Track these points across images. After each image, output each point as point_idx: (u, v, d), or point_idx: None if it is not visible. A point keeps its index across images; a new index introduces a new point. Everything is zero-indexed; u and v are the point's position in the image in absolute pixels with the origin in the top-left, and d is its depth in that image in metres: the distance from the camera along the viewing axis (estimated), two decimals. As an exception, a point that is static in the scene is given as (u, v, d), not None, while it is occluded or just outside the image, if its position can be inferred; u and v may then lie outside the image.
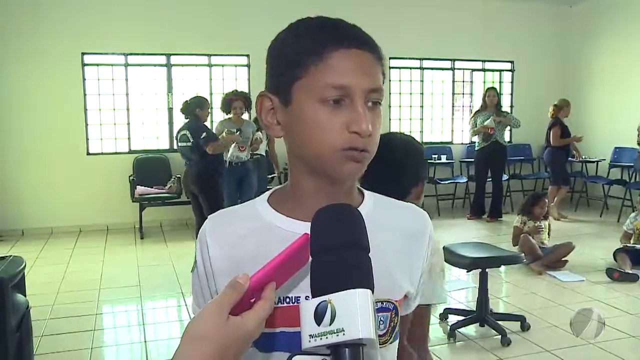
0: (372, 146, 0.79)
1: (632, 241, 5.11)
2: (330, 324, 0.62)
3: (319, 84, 0.76)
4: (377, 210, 0.85)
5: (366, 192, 0.91)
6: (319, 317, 0.63)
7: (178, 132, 5.54)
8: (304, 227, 0.71)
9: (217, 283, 0.85)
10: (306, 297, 0.72)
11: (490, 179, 7.31)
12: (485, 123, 7.00)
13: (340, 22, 0.81)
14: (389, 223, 0.84)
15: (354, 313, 0.61)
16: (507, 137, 7.65)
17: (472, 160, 7.56)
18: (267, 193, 0.91)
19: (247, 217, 0.87)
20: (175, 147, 7.19)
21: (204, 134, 5.19)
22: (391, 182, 1.48)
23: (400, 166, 1.51)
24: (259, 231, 0.84)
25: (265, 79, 0.85)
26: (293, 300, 0.81)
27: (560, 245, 5.07)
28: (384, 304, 0.84)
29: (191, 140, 5.23)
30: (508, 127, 7.38)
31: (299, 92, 0.78)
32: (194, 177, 5.32)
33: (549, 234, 5.26)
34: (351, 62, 0.76)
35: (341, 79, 0.75)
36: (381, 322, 0.83)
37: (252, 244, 0.83)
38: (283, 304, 0.81)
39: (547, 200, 5.27)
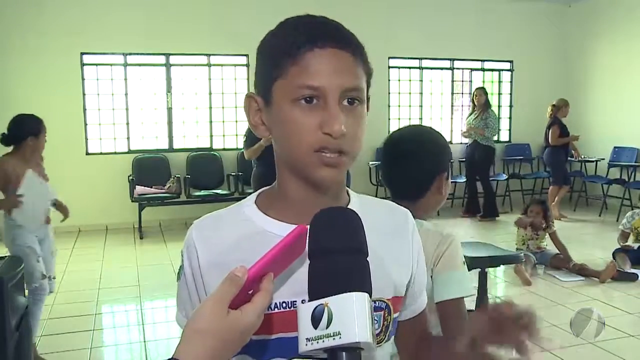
0: (350, 147, 0.77)
1: (630, 240, 5.10)
2: (327, 328, 0.62)
3: (293, 85, 0.76)
4: (363, 210, 0.83)
5: (351, 193, 0.90)
6: (315, 320, 0.63)
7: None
8: None
9: (207, 290, 0.83)
10: (302, 301, 0.71)
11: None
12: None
13: (318, 20, 0.79)
14: (375, 222, 0.83)
15: (350, 316, 0.61)
16: (504, 137, 7.64)
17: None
18: (254, 195, 0.89)
19: (236, 222, 0.86)
20: (174, 146, 7.24)
21: (245, 138, 4.96)
22: (406, 175, 1.47)
23: (412, 158, 1.46)
24: (250, 236, 0.83)
25: (254, 80, 0.85)
26: (290, 305, 0.80)
27: (558, 256, 4.95)
28: (377, 302, 0.84)
29: (244, 140, 5.05)
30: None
31: (278, 92, 0.78)
32: (253, 179, 5.11)
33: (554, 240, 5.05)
34: (324, 62, 0.75)
35: (314, 80, 0.75)
36: (375, 321, 0.83)
37: (244, 250, 0.81)
38: (280, 309, 0.80)
39: (534, 210, 5.01)
